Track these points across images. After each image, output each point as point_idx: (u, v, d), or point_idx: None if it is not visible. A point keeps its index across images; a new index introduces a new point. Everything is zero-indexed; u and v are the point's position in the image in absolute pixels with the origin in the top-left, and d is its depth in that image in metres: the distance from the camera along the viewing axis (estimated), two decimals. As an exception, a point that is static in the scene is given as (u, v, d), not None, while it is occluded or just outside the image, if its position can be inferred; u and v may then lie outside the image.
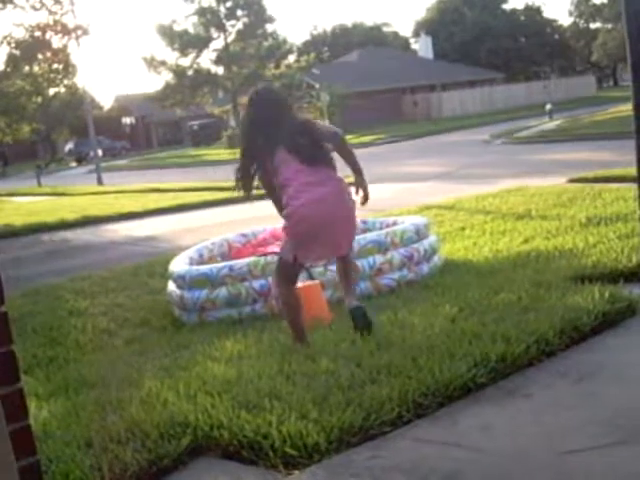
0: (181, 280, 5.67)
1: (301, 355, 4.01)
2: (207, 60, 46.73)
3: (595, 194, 8.95)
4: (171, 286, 5.87)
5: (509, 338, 3.79)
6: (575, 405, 3.32)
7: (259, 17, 46.61)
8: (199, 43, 45.68)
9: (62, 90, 24.98)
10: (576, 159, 16.12)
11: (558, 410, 3.29)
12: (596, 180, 10.62)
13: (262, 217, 11.84)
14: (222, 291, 5.41)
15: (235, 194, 4.39)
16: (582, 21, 78.81)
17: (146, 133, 61.07)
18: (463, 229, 7.75)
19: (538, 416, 3.26)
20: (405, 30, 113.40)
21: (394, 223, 6.49)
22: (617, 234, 6.34)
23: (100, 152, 33.39)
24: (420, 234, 5.95)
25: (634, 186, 5.01)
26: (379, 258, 5.61)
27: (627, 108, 5.26)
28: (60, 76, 19.93)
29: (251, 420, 3.25)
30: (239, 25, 46.66)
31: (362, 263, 5.51)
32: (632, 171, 4.99)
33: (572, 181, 11.07)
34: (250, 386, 3.64)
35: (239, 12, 46.42)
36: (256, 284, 5.38)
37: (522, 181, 11.57)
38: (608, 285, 4.72)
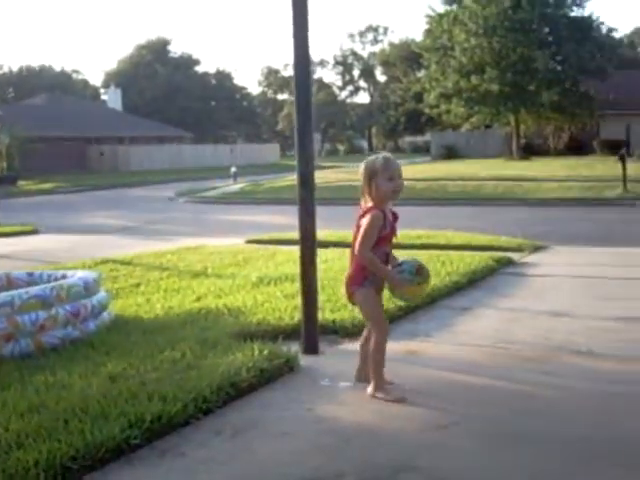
0: None
1: None
2: None
3: (269, 255, 9.47)
4: None
5: (166, 397, 3.78)
6: (228, 461, 3.40)
7: None
8: None
9: None
10: (255, 221, 17.00)
11: (211, 467, 3.34)
12: (271, 242, 11.27)
13: None
14: None
15: None
16: (270, 91, 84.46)
17: None
18: (138, 285, 7.65)
19: (192, 475, 3.27)
20: (95, 79, 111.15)
21: (63, 277, 6.17)
22: (284, 293, 6.74)
23: None
24: (89, 289, 5.73)
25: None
26: (42, 314, 5.26)
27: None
28: None
29: None
30: None
31: (24, 319, 5.13)
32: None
33: (249, 242, 11.60)
34: None
35: None
36: None
37: (202, 240, 11.83)
38: (269, 342, 4.98)
